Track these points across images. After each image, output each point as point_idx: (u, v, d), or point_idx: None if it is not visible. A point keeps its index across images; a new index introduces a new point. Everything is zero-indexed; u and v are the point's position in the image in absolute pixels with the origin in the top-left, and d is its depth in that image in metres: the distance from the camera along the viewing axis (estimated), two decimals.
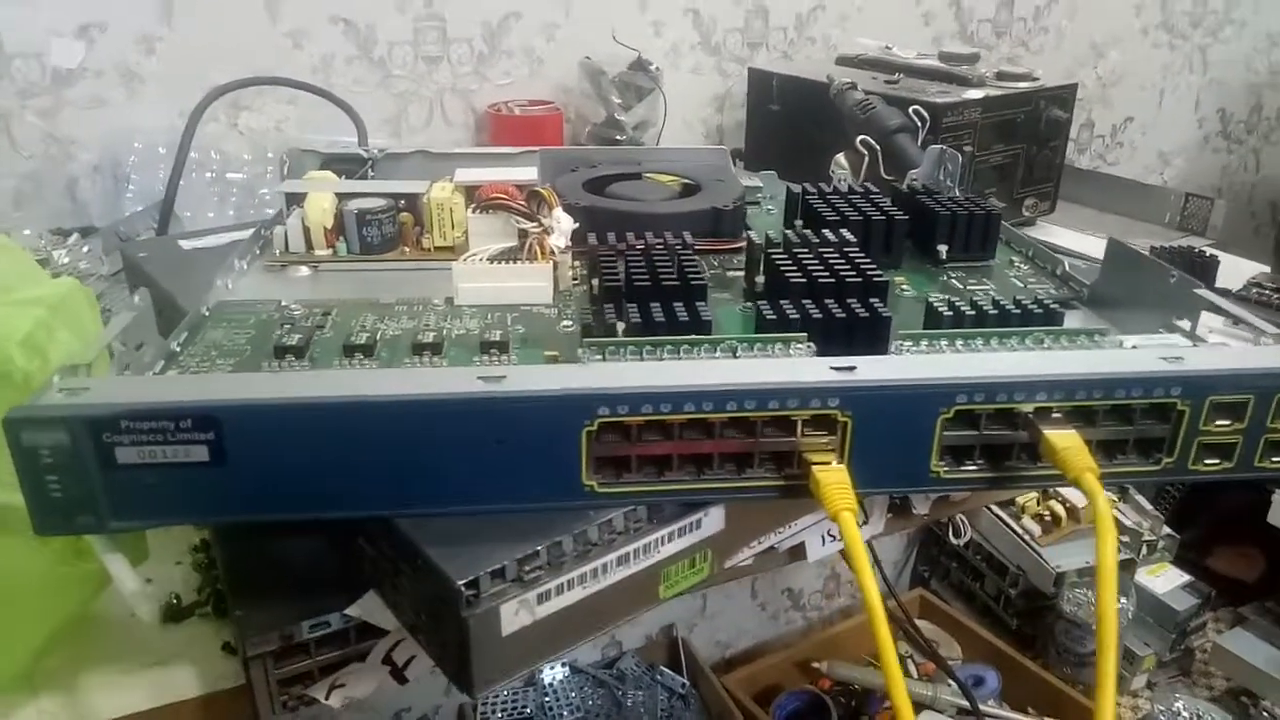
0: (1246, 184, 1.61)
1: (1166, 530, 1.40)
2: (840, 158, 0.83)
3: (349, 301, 0.47)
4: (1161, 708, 1.01)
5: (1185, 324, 0.42)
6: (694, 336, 0.36)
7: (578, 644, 0.33)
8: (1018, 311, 0.40)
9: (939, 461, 0.33)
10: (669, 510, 0.34)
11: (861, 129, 0.80)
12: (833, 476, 0.31)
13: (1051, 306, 0.40)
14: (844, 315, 0.39)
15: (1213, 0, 1.40)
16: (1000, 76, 0.90)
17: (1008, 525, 1.31)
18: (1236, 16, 1.44)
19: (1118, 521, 1.37)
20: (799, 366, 0.33)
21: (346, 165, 0.63)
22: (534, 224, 0.52)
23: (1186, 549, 1.45)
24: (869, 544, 0.61)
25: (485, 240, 0.54)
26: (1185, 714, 0.96)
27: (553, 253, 0.49)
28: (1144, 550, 1.35)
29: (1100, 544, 0.29)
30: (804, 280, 0.42)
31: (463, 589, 0.29)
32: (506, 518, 0.32)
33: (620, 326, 0.37)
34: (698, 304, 0.40)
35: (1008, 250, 0.57)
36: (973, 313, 0.40)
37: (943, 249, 0.54)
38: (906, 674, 1.35)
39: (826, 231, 0.50)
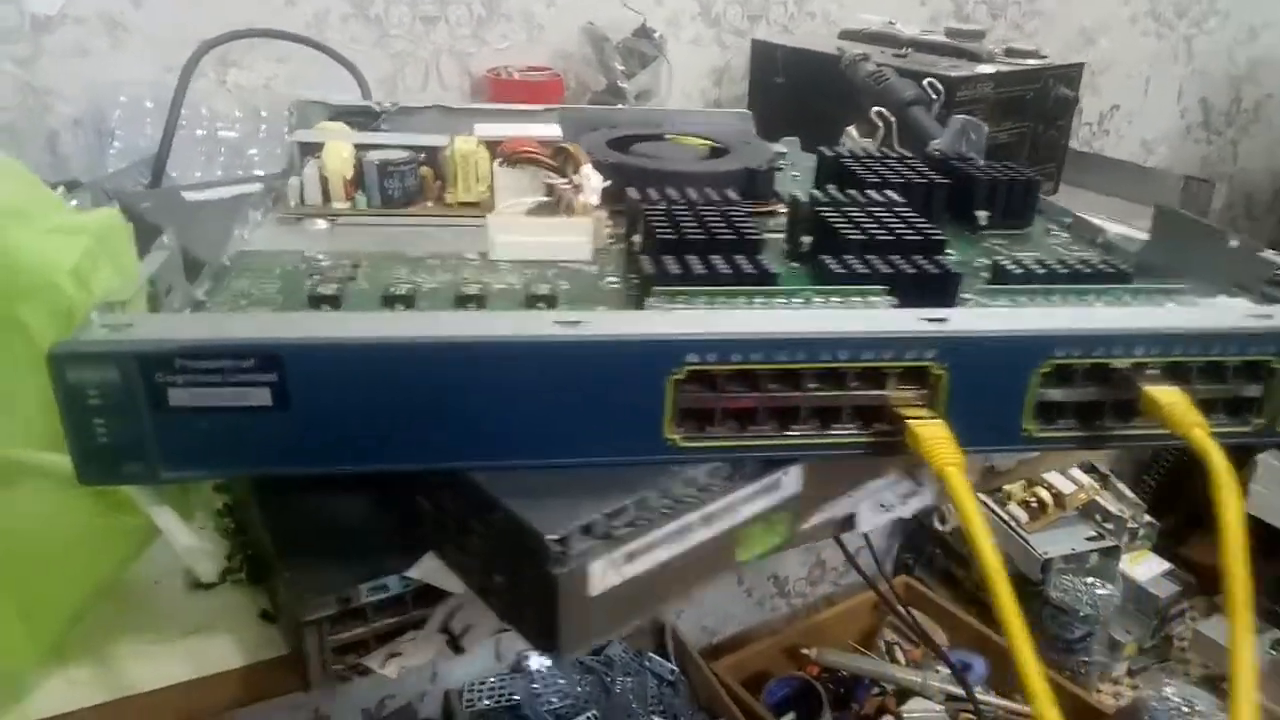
0: (1224, 174, 1.63)
1: (1147, 517, 1.42)
2: (851, 130, 0.82)
3: (376, 254, 0.45)
4: (1152, 693, 1.01)
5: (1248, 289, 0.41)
6: (767, 288, 0.34)
7: (659, 609, 0.31)
8: (1089, 271, 0.39)
9: (1032, 419, 0.32)
10: (748, 468, 0.32)
11: (875, 100, 0.79)
12: (933, 431, 0.30)
13: (1121, 267, 0.39)
14: (914, 271, 0.37)
15: None
16: (1009, 53, 0.89)
17: (994, 511, 1.32)
18: (1221, 7, 1.45)
19: (1100, 508, 1.38)
20: (890, 318, 0.31)
21: (356, 119, 0.60)
22: (563, 180, 0.51)
23: (1163, 536, 1.47)
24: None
25: (511, 195, 0.51)
26: (1175, 700, 0.97)
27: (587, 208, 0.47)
28: (1126, 537, 1.37)
29: (1223, 505, 0.27)
30: (862, 237, 0.41)
31: (552, 544, 0.27)
32: (579, 472, 0.30)
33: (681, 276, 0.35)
34: (758, 257, 0.38)
35: (1042, 219, 0.56)
36: (1043, 271, 0.39)
37: (982, 215, 0.53)
38: (894, 660, 1.35)
39: (871, 192, 0.48)
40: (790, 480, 0.33)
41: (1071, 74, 0.89)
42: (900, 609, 1.18)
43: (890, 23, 1.00)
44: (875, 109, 0.78)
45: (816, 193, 0.47)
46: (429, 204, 0.52)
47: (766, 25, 1.09)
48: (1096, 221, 0.53)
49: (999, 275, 0.39)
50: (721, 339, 0.29)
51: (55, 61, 0.76)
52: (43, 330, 0.32)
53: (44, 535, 0.30)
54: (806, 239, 0.44)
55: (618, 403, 0.29)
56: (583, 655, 1.18)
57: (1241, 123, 1.61)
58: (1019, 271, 0.38)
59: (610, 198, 0.49)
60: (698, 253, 0.38)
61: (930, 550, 1.49)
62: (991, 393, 0.31)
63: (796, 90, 0.96)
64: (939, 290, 0.37)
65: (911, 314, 0.31)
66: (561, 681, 1.19)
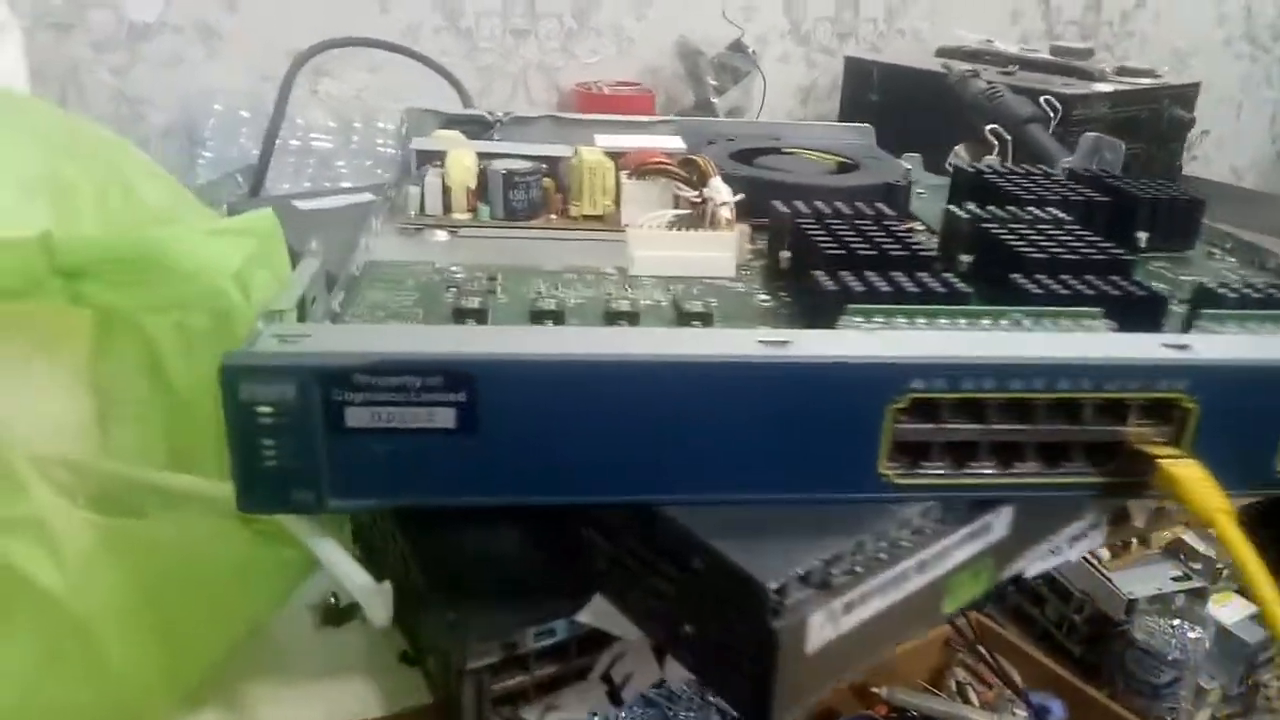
0: None
1: None
2: (960, 149, 0.78)
3: (509, 267, 0.42)
4: None
5: None
6: (966, 307, 0.31)
7: (862, 667, 0.28)
8: None
9: None
10: (955, 511, 0.29)
11: (988, 118, 0.76)
12: (1191, 472, 0.26)
13: None
14: (1119, 293, 0.34)
15: None
16: (1120, 72, 0.86)
17: None
18: None
19: (1186, 546, 1.32)
20: (1132, 344, 0.28)
21: (469, 128, 0.58)
22: (694, 193, 0.48)
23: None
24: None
25: (639, 209, 0.49)
26: None
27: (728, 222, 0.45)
28: (1212, 578, 1.31)
29: None
30: (1043, 256, 0.37)
31: (773, 594, 0.24)
32: (777, 511, 0.27)
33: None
34: (943, 274, 0.35)
35: (1202, 243, 0.52)
36: (1258, 295, 0.35)
37: (1142, 236, 0.49)
38: (966, 701, 1.30)
39: (1033, 209, 0.45)
40: (999, 523, 0.30)
41: (1188, 94, 0.86)
42: (980, 648, 1.13)
43: (989, 41, 0.97)
44: (990, 126, 0.74)
45: (974, 209, 0.44)
46: (553, 217, 0.50)
47: (856, 43, 1.06)
48: (1266, 245, 0.49)
49: (1205, 299, 0.35)
50: (951, 364, 0.26)
51: (150, 70, 0.75)
52: (205, 338, 0.30)
53: (195, 569, 0.28)
54: (965, 257, 0.41)
55: (829, 434, 0.26)
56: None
57: None
58: (1233, 295, 0.35)
59: (740, 212, 0.46)
60: (869, 269, 0.35)
61: (1002, 587, 1.44)
62: (1244, 429, 0.28)
63: (892, 108, 0.93)
64: (1148, 314, 0.34)
65: (1153, 340, 0.28)
66: (623, 714, 1.15)
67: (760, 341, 0.26)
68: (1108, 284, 0.35)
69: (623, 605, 0.29)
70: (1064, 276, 0.35)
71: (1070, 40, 1.20)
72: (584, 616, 0.29)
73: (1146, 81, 0.84)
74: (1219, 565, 1.31)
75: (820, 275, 0.35)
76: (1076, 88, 0.79)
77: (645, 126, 0.59)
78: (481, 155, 0.50)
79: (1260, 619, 1.32)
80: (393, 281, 0.39)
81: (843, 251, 0.37)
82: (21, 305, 0.31)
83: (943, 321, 0.31)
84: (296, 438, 0.24)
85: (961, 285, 0.34)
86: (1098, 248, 0.38)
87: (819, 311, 0.33)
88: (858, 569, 0.26)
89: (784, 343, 0.26)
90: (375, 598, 0.25)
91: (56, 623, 0.25)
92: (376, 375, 0.24)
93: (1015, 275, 0.35)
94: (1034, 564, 0.41)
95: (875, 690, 1.28)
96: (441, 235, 0.48)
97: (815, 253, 0.37)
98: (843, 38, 1.05)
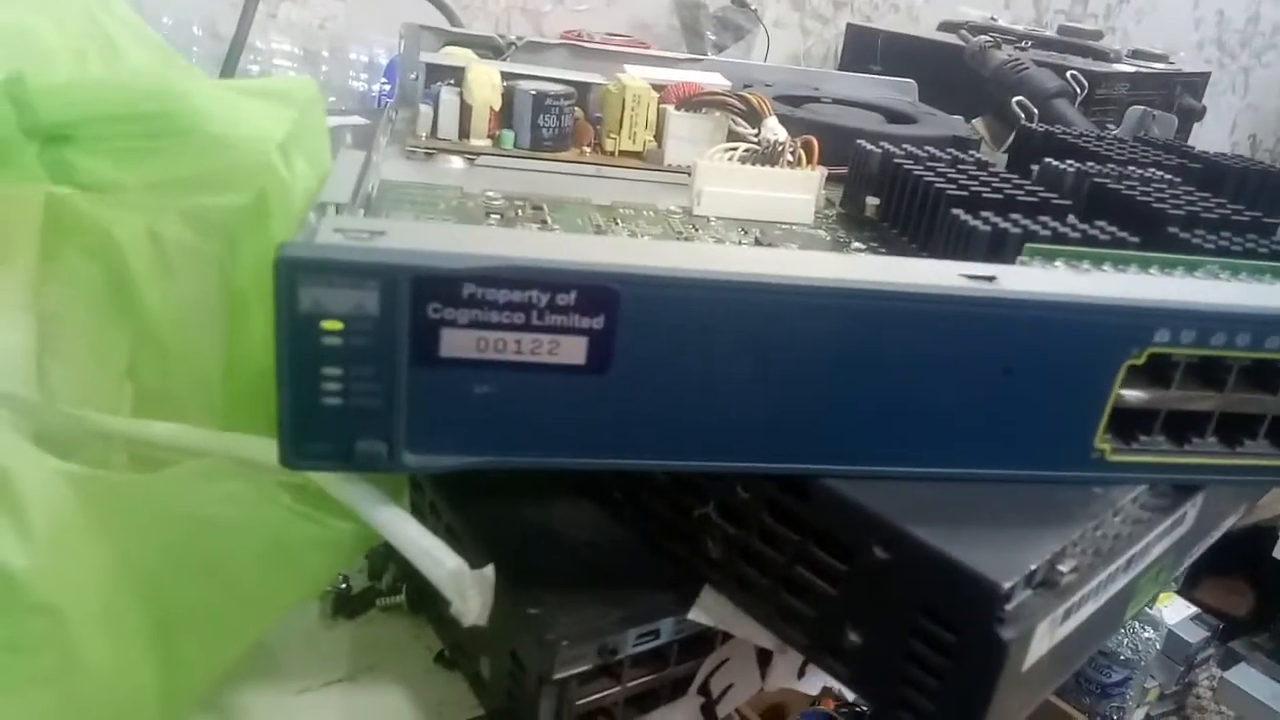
0: None
1: None
2: (978, 122, 0.74)
3: (549, 198, 0.36)
4: None
5: None
6: (1165, 255, 0.26)
7: (1051, 688, 0.23)
8: None
9: None
10: (1163, 498, 0.24)
11: (1013, 91, 0.71)
12: None
13: None
14: None
15: (1264, 21, 1.37)
16: (1134, 55, 0.83)
17: None
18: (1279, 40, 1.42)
19: None
20: None
21: (479, 50, 0.50)
22: (753, 130, 0.42)
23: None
24: None
25: (685, 146, 0.43)
26: None
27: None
28: None
29: None
30: (1180, 214, 0.33)
31: (1005, 594, 0.18)
32: (960, 490, 0.22)
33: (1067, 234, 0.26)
34: (1097, 221, 0.30)
35: None
36: None
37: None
38: None
39: (1134, 168, 0.40)
40: (1190, 515, 0.25)
41: (1198, 83, 0.83)
42: None
43: (992, 18, 0.93)
44: (1016, 99, 0.70)
45: (1075, 164, 0.39)
46: (584, 150, 0.43)
47: (851, 14, 1.01)
48: None
49: None
50: (1206, 311, 0.21)
51: None
52: (187, 251, 0.23)
53: (204, 545, 0.20)
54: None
55: (1044, 394, 0.21)
56: None
57: None
58: None
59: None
60: (998, 211, 0.30)
61: None
62: None
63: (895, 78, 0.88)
64: None
65: None
66: None
67: (965, 275, 0.21)
68: (1264, 244, 0.30)
69: (747, 603, 0.23)
70: (1225, 233, 0.30)
71: (1053, 29, 1.17)
72: (698, 615, 0.23)
73: (1161, 67, 0.81)
74: None
75: (959, 214, 0.29)
76: (1098, 66, 0.76)
77: (676, 63, 0.53)
78: (507, 75, 0.43)
79: (1200, 620, 1.33)
80: (422, 204, 0.32)
81: (964, 194, 0.31)
82: None
83: (1133, 269, 0.25)
84: (371, 367, 0.18)
85: (1124, 233, 0.28)
86: (1228, 207, 0.34)
87: (968, 257, 0.27)
88: (1081, 567, 0.20)
89: (990, 278, 0.21)
90: (472, 588, 0.19)
91: (15, 611, 0.17)
92: (491, 287, 0.17)
93: (1173, 229, 0.30)
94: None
95: (828, 685, 1.25)
96: (457, 162, 0.41)
97: (942, 194, 0.31)
98: (839, 7, 1.00)
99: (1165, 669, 1.37)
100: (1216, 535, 0.31)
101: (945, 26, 0.93)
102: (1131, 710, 1.34)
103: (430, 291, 0.17)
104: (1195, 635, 1.37)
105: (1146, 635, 1.23)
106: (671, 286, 0.18)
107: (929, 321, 0.20)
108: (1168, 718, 1.42)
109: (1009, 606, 0.19)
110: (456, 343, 0.18)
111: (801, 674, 0.26)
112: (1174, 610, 1.39)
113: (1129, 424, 0.22)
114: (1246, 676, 1.37)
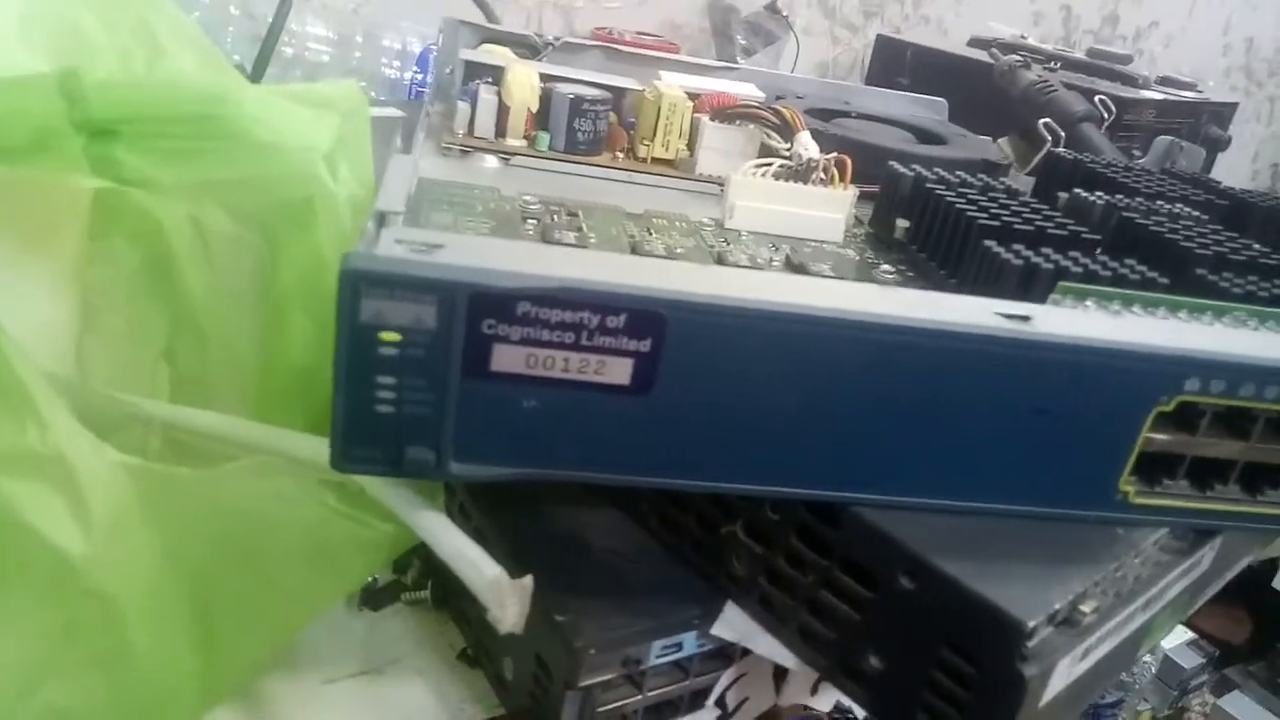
0: None
1: None
2: (1003, 142, 0.74)
3: (583, 204, 0.36)
4: None
5: None
6: (1193, 300, 0.26)
7: None
8: None
9: None
10: (1182, 540, 0.24)
11: (1040, 112, 0.72)
12: None
13: None
14: None
15: None
16: (1162, 81, 0.83)
17: None
18: None
19: None
20: None
21: (516, 49, 0.51)
22: (785, 145, 0.42)
23: None
24: None
25: (716, 157, 0.43)
26: None
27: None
28: None
29: None
30: (1207, 254, 0.33)
31: (1029, 632, 0.18)
32: (984, 523, 0.22)
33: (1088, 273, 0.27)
34: (1125, 259, 0.30)
35: None
36: None
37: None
38: None
39: (1160, 203, 0.41)
40: (1208, 559, 0.25)
41: (1225, 113, 0.83)
42: None
43: (1022, 36, 0.93)
44: (1043, 120, 0.70)
45: (1105, 196, 0.39)
46: (618, 154, 0.43)
47: (881, 24, 1.01)
48: None
49: None
50: (1237, 363, 0.21)
51: None
52: (228, 241, 0.23)
53: (251, 540, 0.21)
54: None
55: (1074, 435, 0.21)
56: None
57: None
58: None
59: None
60: (1029, 244, 0.30)
61: None
62: None
63: (923, 93, 0.88)
64: None
65: None
66: None
67: (1001, 315, 0.21)
68: None
69: (770, 622, 0.23)
70: (1252, 277, 0.31)
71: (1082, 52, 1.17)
72: (721, 630, 0.23)
73: (1189, 95, 0.81)
74: None
75: (991, 245, 0.29)
76: (1126, 91, 0.76)
77: (711, 71, 0.53)
78: (545, 77, 0.43)
79: (1195, 646, 1.34)
80: (460, 205, 0.33)
81: (996, 224, 0.32)
82: (19, 171, 0.23)
83: (1162, 311, 0.26)
84: (424, 378, 0.18)
85: (1154, 274, 0.29)
86: (1255, 249, 0.34)
87: (999, 290, 0.27)
88: (1101, 607, 0.21)
89: (1026, 317, 0.21)
90: (510, 596, 0.19)
91: (71, 597, 0.18)
92: (545, 306, 0.18)
93: (1201, 270, 0.31)
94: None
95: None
96: (492, 161, 0.41)
97: (973, 223, 0.32)
98: (869, 16, 1.00)
99: (1159, 693, 1.38)
100: (1230, 576, 0.32)
101: (975, 43, 0.94)
102: None
103: (486, 308, 0.18)
104: (1191, 661, 1.37)
105: (1143, 659, 1.24)
106: (717, 314, 0.19)
107: (967, 359, 0.20)
108: None
109: (1031, 644, 0.19)
110: (507, 358, 0.18)
111: (815, 690, 0.26)
112: (1172, 635, 1.39)
113: (1154, 468, 0.22)
114: (1239, 704, 1.38)
